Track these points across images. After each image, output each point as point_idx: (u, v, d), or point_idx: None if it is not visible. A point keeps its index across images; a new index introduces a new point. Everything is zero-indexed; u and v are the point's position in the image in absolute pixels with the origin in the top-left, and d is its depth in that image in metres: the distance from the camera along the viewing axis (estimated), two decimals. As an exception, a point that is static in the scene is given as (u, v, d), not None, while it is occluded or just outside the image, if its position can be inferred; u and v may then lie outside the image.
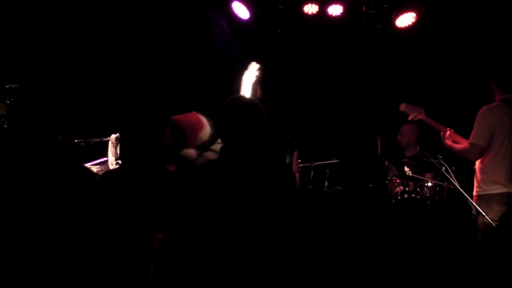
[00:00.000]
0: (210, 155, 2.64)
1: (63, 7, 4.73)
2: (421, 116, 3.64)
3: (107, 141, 3.44)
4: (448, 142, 3.45)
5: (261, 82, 2.87)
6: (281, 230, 1.89)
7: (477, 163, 3.37)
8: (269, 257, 1.84)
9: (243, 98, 2.08)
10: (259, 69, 2.84)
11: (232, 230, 1.86)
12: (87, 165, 3.64)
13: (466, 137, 3.42)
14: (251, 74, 2.81)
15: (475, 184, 3.38)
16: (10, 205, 1.93)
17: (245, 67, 2.86)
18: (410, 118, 3.73)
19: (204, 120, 2.89)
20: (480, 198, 3.29)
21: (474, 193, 3.37)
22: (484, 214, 3.04)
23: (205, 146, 2.71)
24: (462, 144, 3.40)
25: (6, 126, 3.89)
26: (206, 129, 2.85)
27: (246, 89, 2.77)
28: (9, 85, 3.94)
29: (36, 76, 4.61)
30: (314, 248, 1.98)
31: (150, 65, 5.21)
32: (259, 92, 2.87)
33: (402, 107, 3.76)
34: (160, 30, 5.19)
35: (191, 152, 2.68)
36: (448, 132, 3.47)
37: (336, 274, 2.00)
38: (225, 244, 1.84)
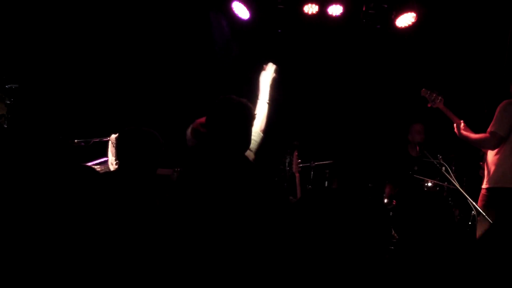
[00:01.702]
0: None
1: (63, 7, 4.72)
2: (440, 104, 3.59)
3: (107, 141, 3.44)
4: (464, 132, 3.44)
5: (275, 82, 2.85)
6: (270, 230, 1.91)
7: (490, 156, 3.33)
8: (261, 257, 1.85)
9: (233, 98, 2.09)
10: (276, 70, 2.82)
11: (222, 230, 1.86)
12: (87, 165, 3.64)
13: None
14: (268, 74, 2.79)
15: (486, 178, 3.34)
16: (10, 205, 1.93)
17: (260, 68, 2.82)
18: (429, 105, 3.68)
19: None
20: (490, 192, 3.25)
21: (484, 186, 3.32)
22: (484, 213, 3.03)
23: None
24: (479, 134, 3.37)
25: (6, 126, 3.89)
26: None
27: (265, 90, 2.76)
28: (9, 85, 3.94)
29: (36, 76, 4.61)
30: (311, 249, 1.98)
31: (151, 65, 5.21)
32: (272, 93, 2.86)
33: (423, 92, 3.70)
34: (161, 30, 5.19)
35: None
36: (462, 124, 3.47)
37: (333, 275, 2.00)
38: (217, 244, 1.85)
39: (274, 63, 2.83)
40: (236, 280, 1.83)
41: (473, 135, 3.40)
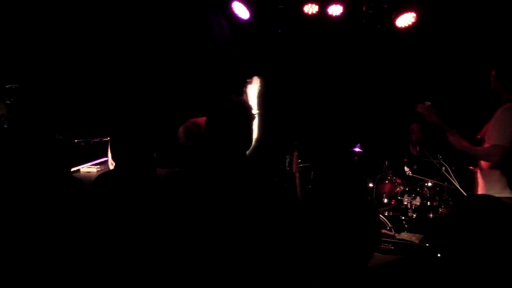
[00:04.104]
0: None
1: (63, 7, 4.73)
2: (434, 117, 3.38)
3: (107, 141, 3.44)
4: (464, 143, 3.26)
5: (262, 95, 2.95)
6: (271, 230, 1.90)
7: (488, 165, 3.22)
8: (256, 257, 1.85)
9: (232, 98, 2.10)
10: (262, 83, 2.91)
11: (225, 230, 1.86)
12: (87, 165, 3.65)
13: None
14: (255, 87, 2.88)
15: (485, 187, 3.23)
16: (9, 206, 1.93)
17: (247, 79, 2.93)
18: (426, 119, 3.45)
19: None
20: None
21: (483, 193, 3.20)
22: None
23: None
24: (482, 146, 3.22)
25: (6, 126, 3.89)
26: None
27: (253, 101, 2.85)
28: (9, 85, 3.95)
29: (36, 76, 4.61)
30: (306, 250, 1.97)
31: (151, 65, 5.22)
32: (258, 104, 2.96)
33: (418, 108, 3.45)
34: (161, 30, 5.19)
35: None
36: (456, 134, 3.28)
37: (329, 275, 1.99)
38: (218, 245, 1.85)
39: (259, 75, 2.92)
40: (234, 280, 1.83)
41: (476, 148, 3.25)
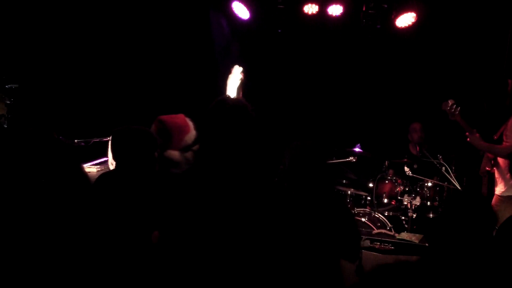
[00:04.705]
0: (189, 155, 2.70)
1: (63, 7, 4.72)
2: (457, 117, 3.44)
3: (107, 141, 3.44)
4: (484, 143, 3.36)
5: (244, 85, 2.95)
6: (265, 233, 1.90)
7: (507, 163, 3.29)
8: (253, 258, 1.85)
9: (230, 99, 2.09)
10: (242, 72, 2.92)
11: (217, 232, 1.86)
12: (87, 165, 3.64)
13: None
14: (235, 77, 2.89)
15: (502, 184, 3.32)
16: (9, 206, 1.92)
17: (228, 71, 2.94)
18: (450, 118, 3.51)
19: (190, 123, 2.95)
20: (505, 199, 3.26)
21: (498, 192, 3.33)
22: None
23: (188, 148, 2.78)
24: (503, 145, 3.30)
25: (6, 126, 3.89)
26: (192, 133, 2.91)
27: (232, 92, 2.88)
28: (9, 85, 3.94)
29: (36, 76, 4.61)
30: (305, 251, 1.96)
31: (150, 65, 5.21)
32: (241, 94, 2.97)
33: (444, 106, 3.50)
34: (160, 30, 5.19)
35: (175, 153, 2.74)
36: (478, 134, 3.36)
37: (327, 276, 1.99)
38: (210, 246, 1.85)
39: (240, 65, 2.93)
40: (233, 280, 1.83)
41: (495, 147, 3.33)
